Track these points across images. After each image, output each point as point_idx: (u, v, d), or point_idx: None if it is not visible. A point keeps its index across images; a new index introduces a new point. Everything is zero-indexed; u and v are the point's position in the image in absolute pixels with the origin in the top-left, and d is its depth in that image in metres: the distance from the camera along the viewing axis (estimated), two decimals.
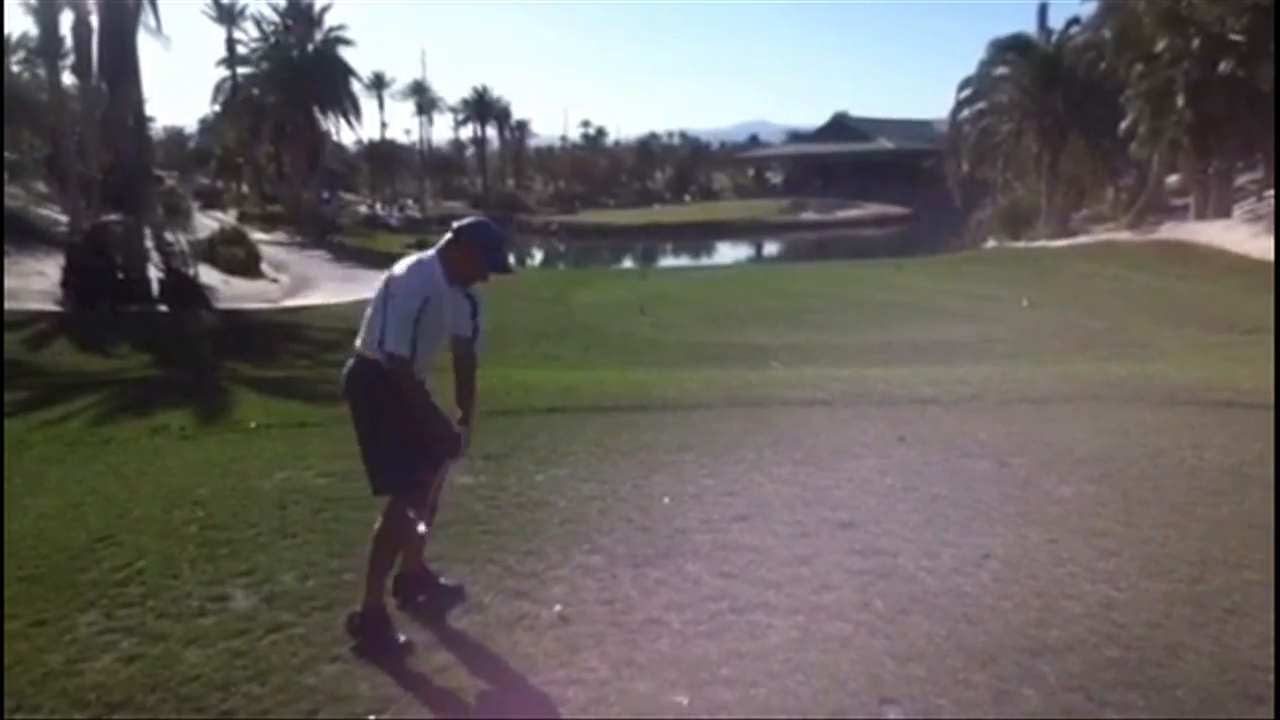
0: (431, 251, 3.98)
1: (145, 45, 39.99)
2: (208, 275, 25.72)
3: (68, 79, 28.73)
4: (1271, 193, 33.03)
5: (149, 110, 28.51)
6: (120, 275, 21.89)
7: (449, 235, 3.98)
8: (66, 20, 25.09)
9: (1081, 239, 37.09)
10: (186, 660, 3.71)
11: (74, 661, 3.72)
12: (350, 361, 4.02)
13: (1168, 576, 4.31)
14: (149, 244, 23.11)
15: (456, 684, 3.49)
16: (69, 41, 25.60)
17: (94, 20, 24.06)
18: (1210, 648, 3.63)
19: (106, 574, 4.60)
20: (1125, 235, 35.41)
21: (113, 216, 22.92)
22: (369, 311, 3.94)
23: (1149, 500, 5.42)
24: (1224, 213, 32.70)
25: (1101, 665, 3.50)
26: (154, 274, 22.54)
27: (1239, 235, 29.32)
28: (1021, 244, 39.30)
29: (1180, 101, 31.43)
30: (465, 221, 4.07)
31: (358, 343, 3.99)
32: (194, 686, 3.51)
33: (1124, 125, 34.94)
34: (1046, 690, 3.34)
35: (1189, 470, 6.05)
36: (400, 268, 3.92)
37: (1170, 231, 33.39)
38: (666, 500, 5.51)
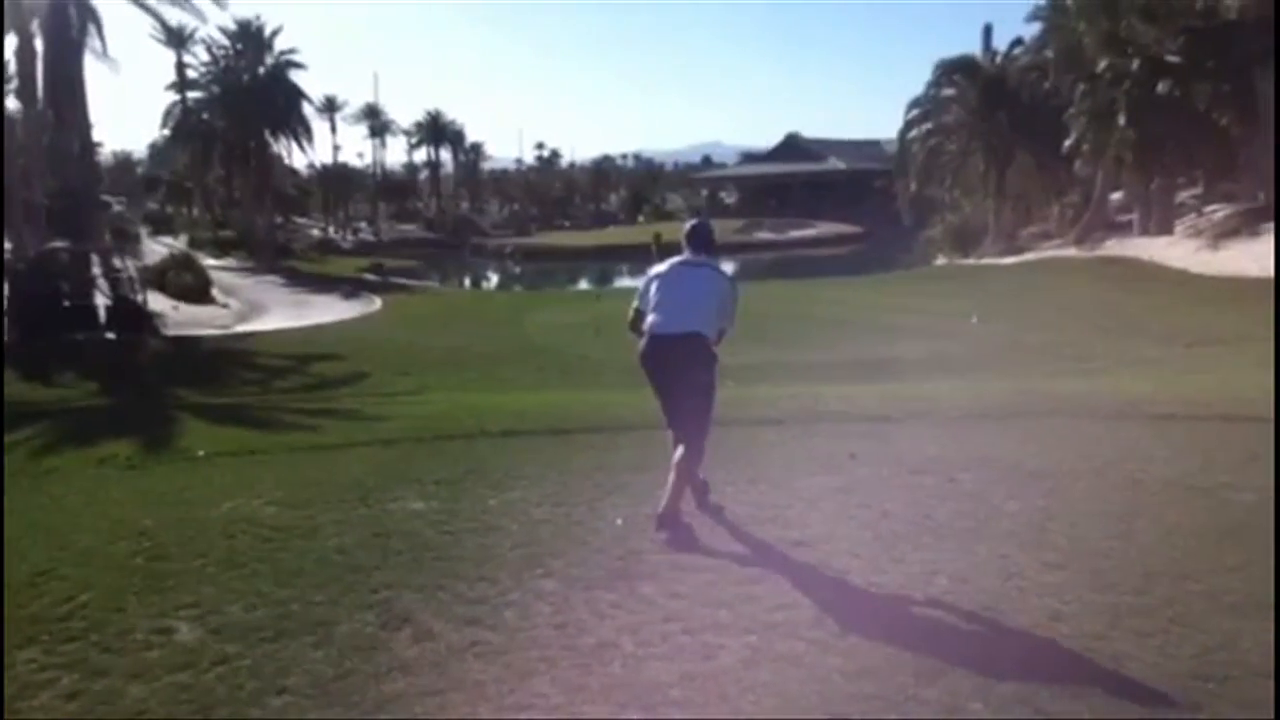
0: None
1: (92, 69, 39.53)
2: (157, 301, 25.43)
3: (11, 104, 28.31)
4: (1212, 209, 33.88)
5: (96, 135, 28.22)
6: (67, 302, 21.57)
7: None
8: (10, 44, 24.76)
9: (1029, 255, 37.77)
10: (130, 695, 3.63)
11: (12, 700, 3.62)
12: (668, 337, 5.39)
13: (1113, 589, 4.37)
14: (96, 270, 22.80)
15: (407, 713, 3.44)
16: (12, 65, 25.24)
17: (38, 44, 23.77)
18: (1154, 658, 3.69)
19: (47, 608, 4.50)
20: (1071, 251, 36.11)
21: (59, 243, 22.58)
22: (682, 300, 5.48)
23: (1095, 514, 5.49)
24: (1166, 229, 33.44)
25: (1048, 678, 3.54)
26: (101, 301, 22.23)
27: (1181, 251, 30.00)
28: (970, 261, 39.93)
29: (1122, 120, 32.17)
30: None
31: (678, 323, 5.39)
32: None
33: (1068, 143, 35.71)
34: (994, 704, 3.36)
35: (1133, 483, 6.14)
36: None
37: (1115, 247, 34.10)
38: (620, 522, 5.49)
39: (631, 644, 3.93)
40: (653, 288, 5.62)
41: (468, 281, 57.38)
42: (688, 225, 5.95)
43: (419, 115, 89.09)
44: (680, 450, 5.34)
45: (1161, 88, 30.50)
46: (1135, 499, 5.79)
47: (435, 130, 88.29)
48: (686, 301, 5.48)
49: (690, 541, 5.12)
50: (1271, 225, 26.99)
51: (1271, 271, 22.80)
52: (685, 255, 5.77)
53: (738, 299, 5.67)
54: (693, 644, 3.91)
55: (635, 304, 5.77)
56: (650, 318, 5.53)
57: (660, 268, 5.71)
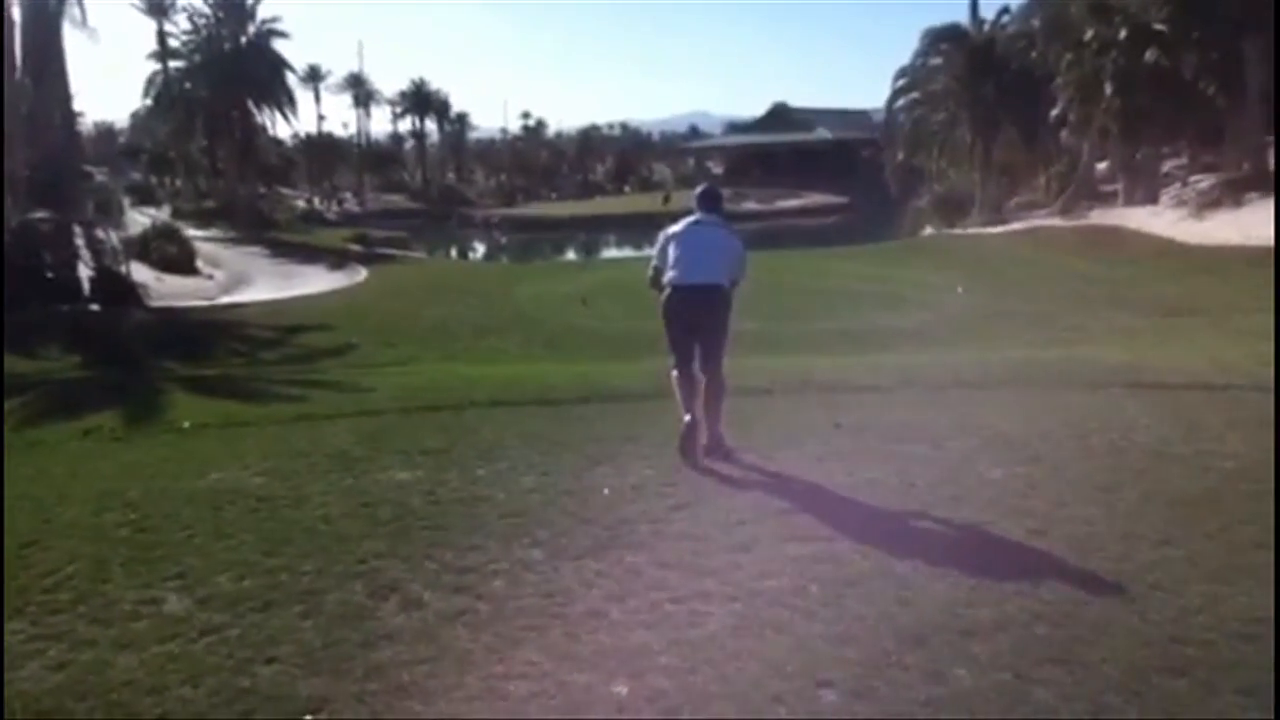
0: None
1: (71, 38, 38.97)
2: (140, 273, 25.23)
3: None
4: (1196, 178, 33.92)
5: (77, 105, 27.92)
6: (49, 274, 21.41)
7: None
8: None
9: (1015, 225, 37.73)
10: (118, 665, 3.65)
11: None
12: (691, 287, 6.06)
13: (1095, 555, 4.41)
14: (79, 242, 22.62)
15: (395, 681, 3.47)
16: None
17: (16, 13, 23.45)
18: (1134, 623, 3.73)
19: (34, 580, 4.51)
20: (1057, 221, 36.10)
21: (40, 214, 22.37)
22: (700, 255, 6.16)
23: (1077, 481, 5.54)
24: (1151, 199, 33.46)
25: (1030, 643, 3.59)
26: (84, 272, 22.07)
27: (1165, 221, 30.03)
28: (957, 231, 39.87)
29: (1108, 90, 32.10)
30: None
31: (699, 275, 6.08)
32: (125, 692, 3.45)
33: (1054, 113, 35.65)
34: (977, 669, 3.41)
35: (1115, 451, 6.20)
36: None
37: (1100, 217, 34.10)
38: (607, 492, 5.52)
39: (619, 612, 3.96)
40: (670, 246, 6.25)
41: (454, 252, 57.11)
42: (699, 189, 6.75)
43: (404, 85, 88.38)
44: (704, 384, 6.17)
45: (1148, 56, 30.43)
46: (1117, 466, 5.84)
47: (420, 100, 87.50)
48: (703, 256, 6.13)
49: (734, 456, 6.04)
50: (1255, 195, 27.07)
51: (1255, 241, 22.91)
52: (698, 215, 6.39)
53: (747, 253, 6.42)
54: (679, 612, 3.94)
55: (654, 262, 6.40)
56: (670, 273, 6.16)
57: (675, 228, 6.36)
